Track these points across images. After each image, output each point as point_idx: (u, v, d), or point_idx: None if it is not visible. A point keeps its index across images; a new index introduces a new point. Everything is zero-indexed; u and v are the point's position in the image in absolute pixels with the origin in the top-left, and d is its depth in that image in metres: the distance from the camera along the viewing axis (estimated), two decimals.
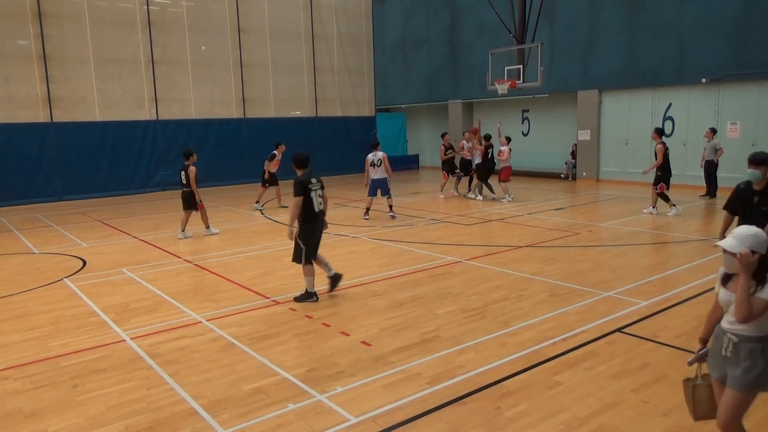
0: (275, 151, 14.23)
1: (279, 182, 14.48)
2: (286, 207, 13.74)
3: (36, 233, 12.04)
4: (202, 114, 19.94)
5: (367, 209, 12.63)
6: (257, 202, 14.40)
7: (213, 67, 20.08)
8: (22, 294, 7.50)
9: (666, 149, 11.91)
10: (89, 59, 17.56)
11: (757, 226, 4.47)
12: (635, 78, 17.85)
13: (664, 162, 11.84)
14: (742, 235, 2.96)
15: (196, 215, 11.18)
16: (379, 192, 12.53)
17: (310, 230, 6.74)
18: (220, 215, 13.71)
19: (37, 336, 5.89)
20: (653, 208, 12.36)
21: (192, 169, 10.71)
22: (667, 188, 12.01)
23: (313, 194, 6.66)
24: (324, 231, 7.03)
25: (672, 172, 12.12)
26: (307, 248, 6.72)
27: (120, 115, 18.26)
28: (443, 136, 16.25)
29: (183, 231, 10.99)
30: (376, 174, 12.33)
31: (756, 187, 5.22)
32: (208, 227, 11.29)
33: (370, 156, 12.42)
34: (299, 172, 6.77)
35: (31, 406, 4.37)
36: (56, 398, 4.48)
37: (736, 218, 5.41)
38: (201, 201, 10.87)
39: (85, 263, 9.09)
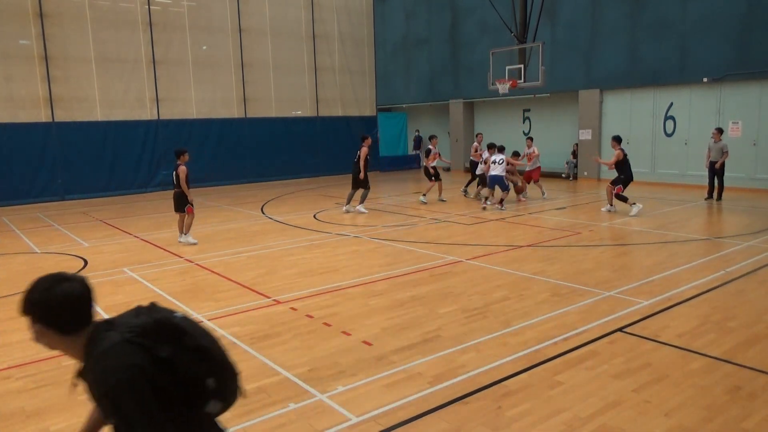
0: (430, 146, 14.31)
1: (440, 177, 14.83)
2: (445, 201, 14.92)
3: (38, 233, 12.05)
4: (204, 114, 19.96)
5: (486, 198, 13.82)
6: (423, 195, 14.87)
7: (214, 67, 20.09)
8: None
9: (624, 155, 12.24)
10: (91, 59, 17.58)
11: None
12: (637, 77, 17.84)
13: (623, 166, 12.18)
14: None
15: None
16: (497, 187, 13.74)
17: None
18: (221, 215, 13.72)
19: None
20: (611, 206, 12.63)
21: (182, 169, 9.96)
22: (623, 191, 12.28)
23: None
24: None
25: (633, 177, 12.41)
26: None
27: (121, 114, 18.28)
28: (477, 136, 16.59)
29: (183, 234, 10.31)
30: (495, 170, 13.45)
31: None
32: (186, 233, 10.27)
33: (493, 156, 13.69)
34: None
35: (34, 405, 4.38)
36: (58, 397, 4.48)
37: None
38: (191, 204, 10.09)
39: (86, 263, 9.10)
